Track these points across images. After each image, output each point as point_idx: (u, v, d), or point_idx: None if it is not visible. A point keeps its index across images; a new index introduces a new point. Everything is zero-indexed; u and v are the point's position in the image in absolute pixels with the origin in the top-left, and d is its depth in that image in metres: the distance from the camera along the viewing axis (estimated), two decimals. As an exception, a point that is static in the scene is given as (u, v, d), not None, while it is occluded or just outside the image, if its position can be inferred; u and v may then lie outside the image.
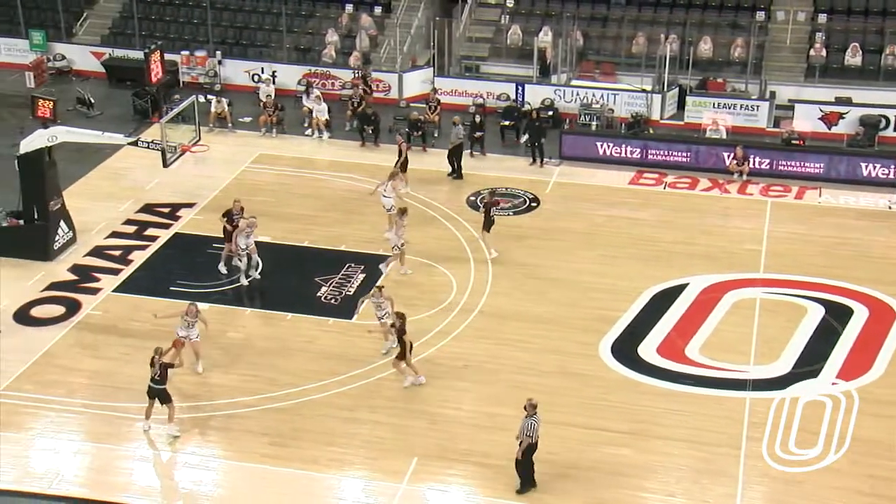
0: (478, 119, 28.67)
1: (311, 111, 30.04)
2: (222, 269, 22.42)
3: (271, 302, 21.59)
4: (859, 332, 20.66)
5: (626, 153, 28.19)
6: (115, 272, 22.56)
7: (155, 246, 23.68)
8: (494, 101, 31.66)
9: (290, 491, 16.47)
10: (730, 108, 30.38)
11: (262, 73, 32.72)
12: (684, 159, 27.94)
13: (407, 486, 16.56)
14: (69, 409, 18.20)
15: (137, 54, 32.53)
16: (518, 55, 33.32)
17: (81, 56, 34.41)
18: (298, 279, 22.36)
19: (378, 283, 20.99)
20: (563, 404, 18.34)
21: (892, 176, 26.95)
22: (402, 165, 26.05)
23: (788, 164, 27.44)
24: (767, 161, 27.50)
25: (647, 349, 20.09)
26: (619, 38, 33.00)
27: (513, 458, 16.22)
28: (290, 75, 32.77)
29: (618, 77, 32.11)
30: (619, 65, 32.48)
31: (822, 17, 32.49)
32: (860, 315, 21.25)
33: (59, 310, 21.16)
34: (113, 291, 21.89)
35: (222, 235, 22.56)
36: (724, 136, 29.01)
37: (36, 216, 22.89)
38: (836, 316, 21.17)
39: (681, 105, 31.10)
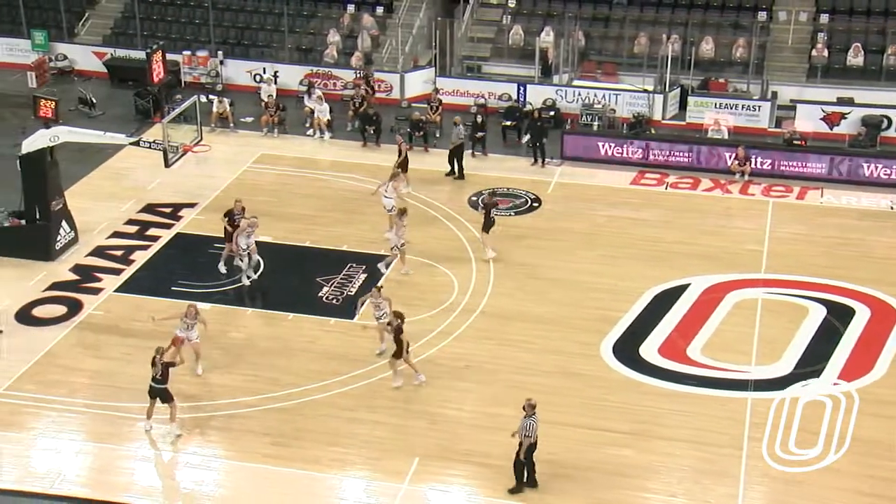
0: (479, 119, 28.68)
1: (312, 111, 30.05)
2: (222, 268, 22.43)
3: (273, 302, 21.60)
4: (861, 333, 20.64)
5: (627, 153, 28.19)
6: (117, 272, 22.57)
7: (157, 246, 23.69)
8: (496, 101, 31.67)
9: (291, 491, 16.48)
10: (731, 108, 30.38)
11: (264, 73, 32.73)
12: (686, 159, 27.94)
13: (408, 486, 16.57)
14: (71, 409, 18.21)
15: (139, 54, 32.52)
16: (520, 55, 33.32)
17: (83, 56, 34.43)
18: (300, 279, 22.36)
19: (378, 284, 20.98)
20: (564, 405, 18.34)
21: (893, 176, 26.95)
22: (403, 165, 26.05)
23: (790, 164, 27.43)
24: (769, 161, 27.50)
25: (649, 349, 20.09)
26: (620, 38, 32.99)
27: (513, 458, 16.21)
28: (291, 75, 32.79)
29: (619, 77, 32.10)
30: (620, 65, 32.47)
31: (824, 18, 32.48)
32: (862, 315, 21.24)
33: (60, 310, 21.17)
34: (115, 291, 21.91)
35: (223, 235, 22.57)
36: (726, 137, 29.01)
37: (38, 216, 22.91)
38: (838, 316, 21.16)
39: (682, 105, 31.09)
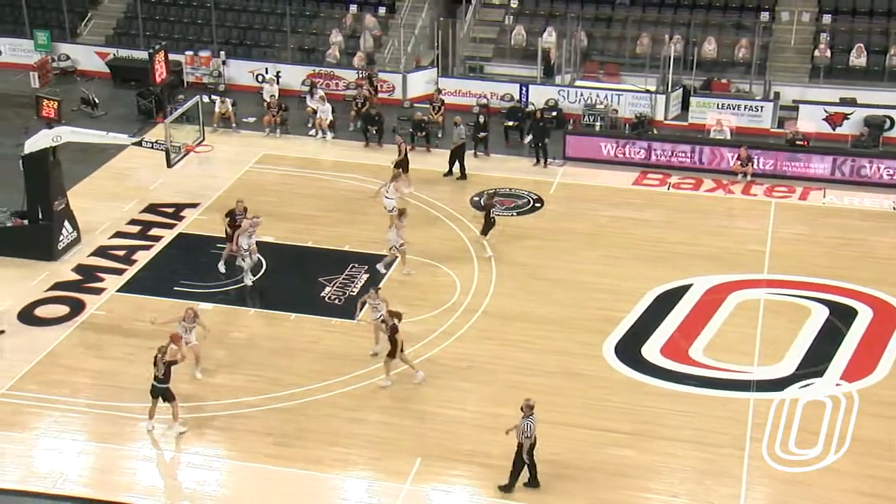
0: (482, 119, 28.69)
1: (315, 111, 30.07)
2: (221, 268, 22.45)
3: (275, 302, 21.60)
4: (863, 333, 20.63)
5: (630, 154, 28.18)
6: (119, 272, 22.59)
7: (159, 246, 23.70)
8: (498, 101, 31.69)
9: (293, 491, 16.48)
10: (734, 108, 30.36)
11: (266, 73, 32.75)
12: (688, 160, 27.93)
13: (410, 486, 16.57)
14: (73, 409, 18.22)
15: (142, 54, 32.57)
16: (522, 56, 33.34)
17: (86, 56, 34.47)
18: (302, 279, 22.37)
19: (378, 285, 20.99)
20: (566, 405, 18.34)
21: (896, 177, 26.98)
22: (404, 166, 26.05)
23: (792, 164, 27.42)
24: (771, 162, 27.49)
25: (651, 350, 20.08)
26: (623, 38, 33.00)
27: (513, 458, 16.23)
28: (294, 76, 32.81)
29: (622, 78, 32.11)
30: (623, 65, 32.47)
31: (827, 18, 32.48)
32: (864, 316, 21.22)
33: (63, 310, 21.18)
34: (117, 291, 21.92)
35: (224, 235, 22.58)
36: (728, 137, 28.98)
37: (40, 216, 22.93)
38: (841, 317, 21.14)
39: (685, 106, 31.09)
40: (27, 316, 20.97)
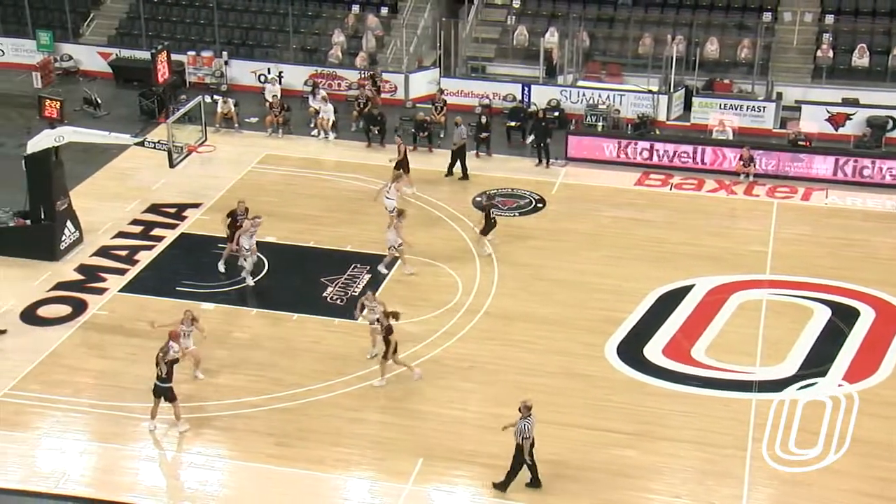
0: (484, 120, 28.69)
1: (317, 112, 30.09)
2: (221, 268, 22.46)
3: (277, 302, 21.60)
4: (866, 334, 20.61)
5: (632, 154, 28.17)
6: (122, 272, 22.60)
7: (161, 246, 23.72)
8: (500, 101, 31.68)
9: (295, 491, 16.48)
10: (736, 109, 30.35)
11: (269, 73, 32.77)
12: (690, 160, 27.92)
13: (412, 486, 16.56)
14: (75, 409, 18.23)
15: (144, 55, 32.61)
16: (524, 56, 33.33)
17: (88, 56, 34.50)
18: (304, 280, 22.37)
19: (377, 287, 20.99)
20: (568, 405, 18.35)
21: (898, 177, 26.95)
22: (404, 166, 26.05)
23: (795, 165, 27.40)
24: (774, 162, 27.47)
25: (653, 350, 20.08)
26: (625, 38, 32.99)
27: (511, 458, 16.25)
28: (296, 76, 32.83)
29: (624, 78, 32.09)
30: (625, 66, 32.46)
31: (830, 18, 32.46)
32: (867, 316, 21.20)
33: (65, 310, 21.19)
34: (119, 291, 21.93)
35: (225, 235, 22.60)
36: (731, 138, 28.97)
37: (42, 216, 22.94)
38: (843, 317, 21.13)
39: (687, 106, 31.09)
40: (29, 316, 20.98)
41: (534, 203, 26.06)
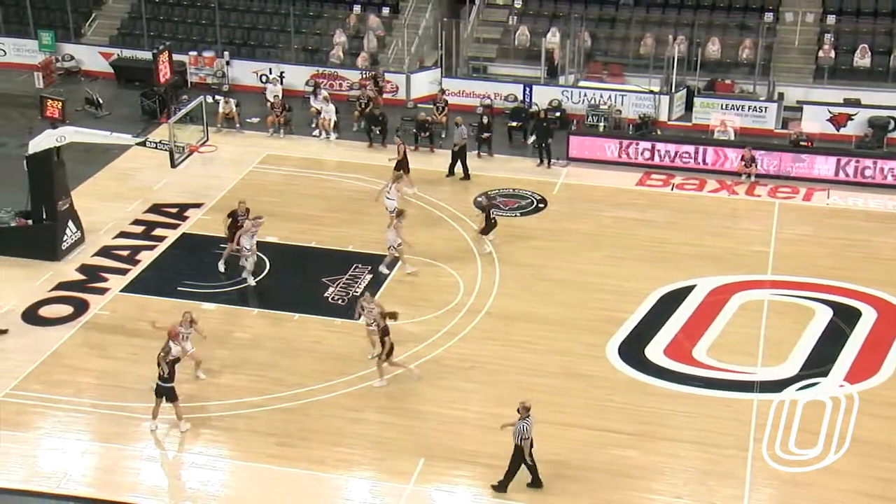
0: (485, 120, 28.69)
1: (318, 112, 30.09)
2: (221, 267, 22.47)
3: (278, 302, 21.61)
4: (867, 335, 20.60)
5: (633, 154, 28.16)
6: (123, 272, 22.61)
7: (163, 246, 23.73)
8: (502, 101, 31.67)
9: (296, 491, 16.49)
10: (738, 109, 30.35)
11: (270, 73, 32.78)
12: (692, 161, 27.91)
13: (414, 486, 16.57)
14: (77, 409, 18.24)
15: (146, 55, 32.61)
16: (526, 56, 33.33)
17: (90, 56, 34.51)
18: (305, 280, 22.38)
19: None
20: (569, 405, 18.35)
21: (900, 178, 26.94)
22: (403, 166, 26.04)
23: (796, 165, 27.38)
24: (775, 162, 27.46)
25: (655, 351, 20.07)
26: (626, 39, 32.98)
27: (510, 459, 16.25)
28: (297, 76, 32.83)
29: (625, 78, 32.09)
30: (626, 66, 32.45)
31: (831, 19, 32.44)
32: (868, 317, 21.19)
33: (67, 310, 21.21)
34: (121, 291, 21.94)
35: (225, 235, 22.61)
36: (732, 138, 28.97)
37: (44, 216, 22.95)
38: (844, 318, 21.12)
39: (689, 106, 31.08)
40: (31, 316, 20.99)
41: (535, 203, 26.06)
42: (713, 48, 32.16)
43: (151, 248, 23.61)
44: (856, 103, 30.18)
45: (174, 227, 24.54)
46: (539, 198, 26.30)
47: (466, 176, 27.22)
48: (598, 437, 17.62)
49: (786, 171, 27.37)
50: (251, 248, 21.85)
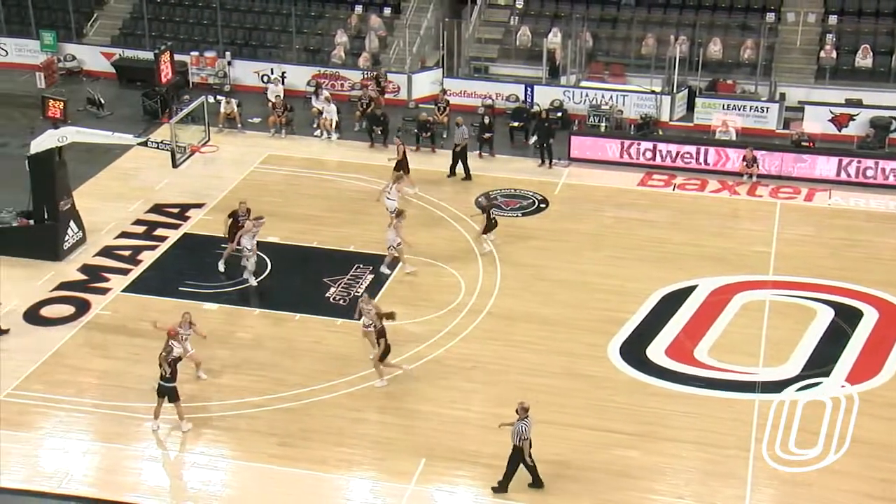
0: (487, 120, 28.67)
1: (320, 112, 30.09)
2: (221, 267, 22.48)
3: (279, 302, 21.61)
4: (869, 335, 20.59)
5: (635, 155, 28.15)
6: (125, 272, 22.62)
7: (164, 246, 23.74)
8: (503, 102, 31.67)
9: (298, 491, 16.49)
10: (739, 109, 30.33)
11: (272, 73, 32.79)
12: (693, 161, 27.89)
13: (415, 486, 16.57)
14: (78, 409, 18.25)
15: (147, 55, 32.63)
16: (527, 56, 33.31)
17: (92, 56, 34.51)
18: (307, 280, 22.38)
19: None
20: (570, 406, 18.35)
21: (902, 178, 26.93)
22: (403, 167, 26.03)
23: (798, 165, 27.37)
24: (777, 163, 27.44)
25: (656, 351, 20.07)
26: (628, 39, 32.97)
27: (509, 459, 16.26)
28: (299, 76, 32.83)
29: (627, 78, 32.07)
30: (628, 66, 32.44)
31: (833, 19, 32.41)
32: (870, 317, 21.18)
33: (68, 310, 21.22)
34: (122, 291, 21.95)
35: (226, 236, 22.61)
36: (734, 138, 28.96)
37: (46, 216, 22.97)
38: (846, 318, 21.11)
39: (690, 107, 31.06)
40: (33, 316, 21.01)
41: (536, 203, 26.06)
42: (715, 48, 32.14)
43: (153, 248, 23.62)
44: (857, 104, 30.15)
45: (176, 227, 24.54)
46: (540, 198, 26.29)
47: (468, 176, 27.21)
48: (600, 438, 17.62)
49: (787, 171, 27.35)
50: (251, 249, 21.86)
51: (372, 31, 33.87)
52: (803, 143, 28.44)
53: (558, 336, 20.44)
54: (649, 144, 28.14)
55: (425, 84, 32.44)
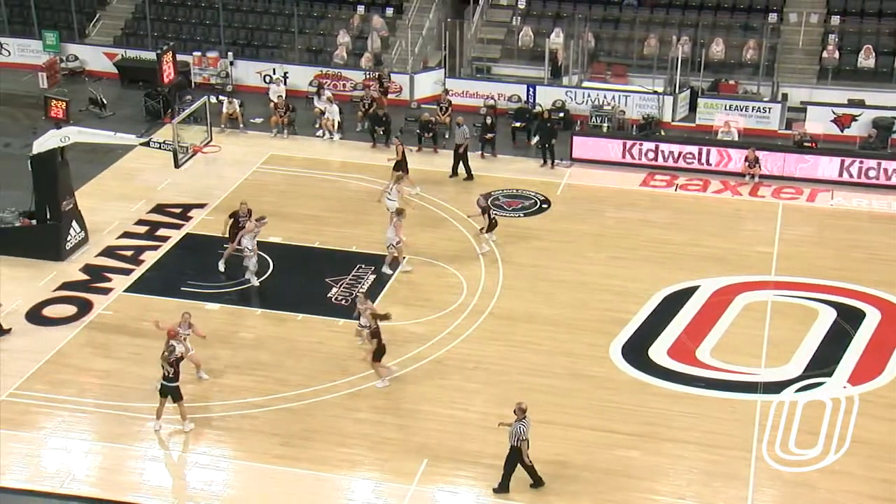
0: (489, 120, 28.66)
1: (322, 112, 30.10)
2: (221, 267, 22.49)
3: (282, 303, 21.62)
4: (871, 336, 20.58)
5: (637, 155, 28.15)
6: (127, 272, 22.63)
7: (166, 246, 23.75)
8: (505, 102, 31.67)
9: (300, 491, 16.50)
10: (742, 110, 30.32)
11: (274, 73, 32.80)
12: (696, 161, 27.88)
13: (417, 487, 16.57)
14: (81, 409, 18.26)
15: (150, 55, 32.64)
16: (529, 57, 33.32)
17: (94, 57, 34.54)
18: (309, 280, 22.39)
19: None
20: (572, 406, 18.35)
21: (904, 178, 26.91)
22: (403, 167, 26.02)
23: (800, 166, 27.36)
24: (779, 163, 27.43)
25: (658, 351, 20.06)
26: (630, 39, 32.97)
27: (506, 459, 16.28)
28: (301, 76, 32.84)
29: (629, 79, 32.08)
30: (630, 66, 32.44)
31: (835, 19, 32.40)
32: (872, 318, 21.17)
33: (70, 310, 21.23)
34: (124, 291, 21.96)
35: (227, 236, 22.63)
36: (736, 138, 28.95)
37: (48, 216, 22.98)
38: (848, 319, 21.10)
39: (692, 107, 31.05)
40: (35, 316, 21.02)
41: (539, 204, 26.05)
42: (717, 49, 32.13)
43: (155, 248, 23.63)
44: (860, 104, 30.14)
45: (178, 227, 24.55)
46: (542, 198, 26.29)
47: (469, 176, 27.22)
48: (601, 438, 17.61)
49: (789, 172, 27.33)
50: (252, 249, 21.86)
51: (374, 32, 33.88)
52: (805, 144, 28.43)
53: (560, 336, 20.44)
54: (651, 145, 28.13)
55: (427, 84, 32.44)
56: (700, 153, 27.86)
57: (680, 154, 27.94)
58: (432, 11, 34.60)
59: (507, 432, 16.23)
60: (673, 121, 30.72)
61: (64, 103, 23.27)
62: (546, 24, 33.64)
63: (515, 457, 16.13)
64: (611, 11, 33.95)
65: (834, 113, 29.98)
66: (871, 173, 27.08)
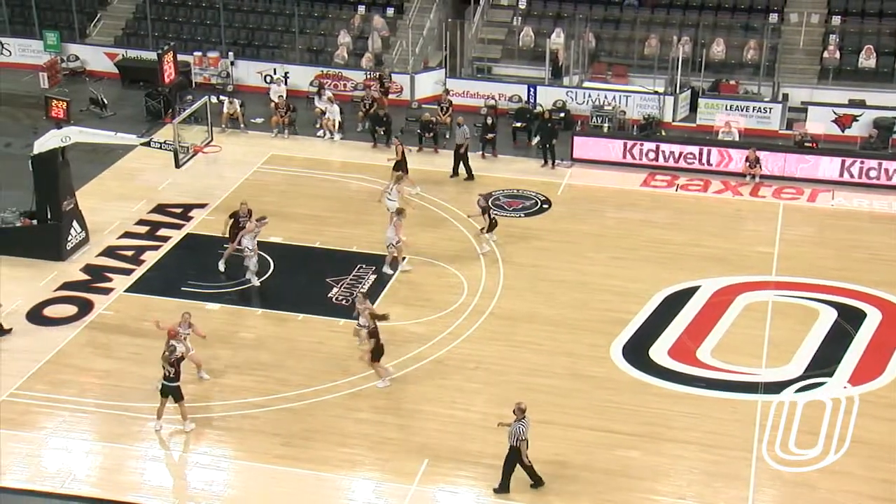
0: (489, 121, 28.67)
1: (323, 112, 30.11)
2: (221, 267, 22.50)
3: (282, 303, 21.62)
4: (872, 336, 20.58)
5: (637, 155, 28.15)
6: (128, 272, 22.64)
7: (167, 246, 23.75)
8: (506, 102, 31.68)
9: (300, 491, 16.50)
10: (742, 110, 30.33)
11: (275, 73, 32.81)
12: (696, 161, 27.88)
13: (418, 487, 16.57)
14: (81, 409, 18.27)
15: (150, 55, 32.67)
16: (530, 57, 33.32)
17: (95, 57, 34.56)
18: (309, 280, 22.39)
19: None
20: (573, 406, 18.35)
21: (905, 178, 26.91)
22: (403, 167, 26.03)
23: (801, 166, 27.36)
24: (780, 163, 27.43)
25: (659, 351, 20.06)
26: (631, 39, 32.96)
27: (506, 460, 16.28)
28: (302, 76, 32.85)
29: (630, 79, 32.08)
30: (631, 67, 32.44)
31: (836, 20, 32.40)
32: (873, 318, 21.17)
33: (71, 310, 21.24)
34: (125, 291, 21.97)
35: (227, 236, 22.64)
36: (737, 139, 28.95)
37: (49, 216, 22.99)
38: (849, 319, 21.09)
39: (693, 107, 31.06)
40: (35, 316, 21.02)
41: (539, 204, 26.06)
42: (718, 49, 32.13)
43: (156, 248, 23.64)
44: (861, 104, 30.14)
45: (178, 227, 24.56)
46: (543, 198, 26.29)
47: (470, 176, 27.22)
48: (602, 438, 17.62)
49: (790, 172, 27.33)
50: (252, 249, 21.87)
51: (375, 32, 33.89)
52: (806, 144, 28.43)
53: (561, 336, 20.44)
54: (652, 145, 28.13)
55: (428, 84, 32.45)
56: (701, 153, 27.86)
57: (681, 154, 27.94)
58: (433, 11, 34.61)
59: (506, 432, 16.24)
60: (674, 121, 30.72)
61: (65, 103, 23.28)
62: (547, 24, 33.65)
63: (515, 457, 16.13)
64: (611, 11, 33.96)
65: (835, 113, 29.98)
66: (872, 173, 27.08)
